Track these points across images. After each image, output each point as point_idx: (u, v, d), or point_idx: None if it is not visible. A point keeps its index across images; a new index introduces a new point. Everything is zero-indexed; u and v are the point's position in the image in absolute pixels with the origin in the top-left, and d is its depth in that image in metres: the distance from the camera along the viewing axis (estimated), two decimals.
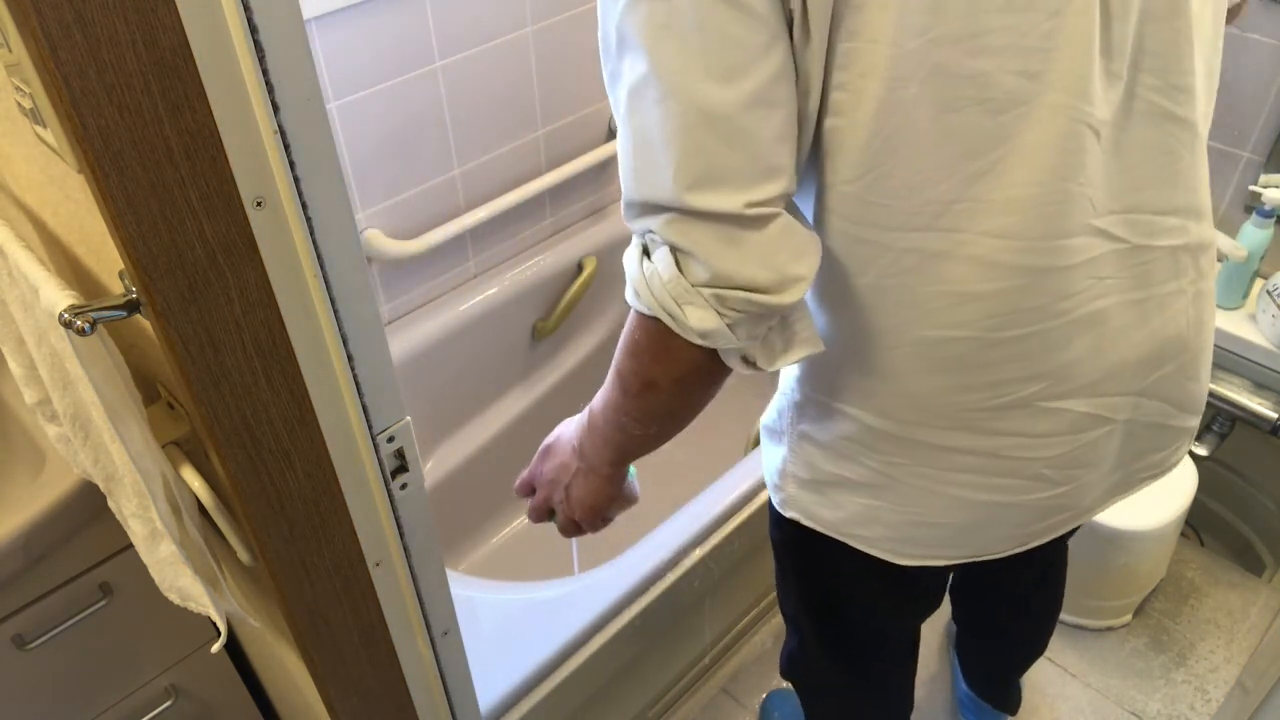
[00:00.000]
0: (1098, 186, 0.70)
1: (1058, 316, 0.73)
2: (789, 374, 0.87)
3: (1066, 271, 0.71)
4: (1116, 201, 0.72)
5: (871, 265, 0.71)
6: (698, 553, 1.32)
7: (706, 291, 0.64)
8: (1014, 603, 1.31)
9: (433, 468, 1.70)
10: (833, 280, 0.74)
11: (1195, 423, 0.92)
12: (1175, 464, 0.94)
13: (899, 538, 0.86)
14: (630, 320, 0.71)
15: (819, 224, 0.71)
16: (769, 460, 0.94)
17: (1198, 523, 1.93)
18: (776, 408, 0.91)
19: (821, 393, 0.82)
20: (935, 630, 1.69)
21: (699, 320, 0.65)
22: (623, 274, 0.70)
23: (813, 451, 0.86)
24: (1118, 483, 0.90)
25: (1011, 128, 0.65)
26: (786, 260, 0.65)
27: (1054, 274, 0.71)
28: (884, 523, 0.85)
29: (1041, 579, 1.27)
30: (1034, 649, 1.39)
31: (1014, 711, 1.55)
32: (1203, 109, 0.74)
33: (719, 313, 0.65)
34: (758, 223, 0.63)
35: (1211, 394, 1.60)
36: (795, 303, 0.67)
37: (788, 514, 0.92)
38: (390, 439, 0.72)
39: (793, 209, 0.68)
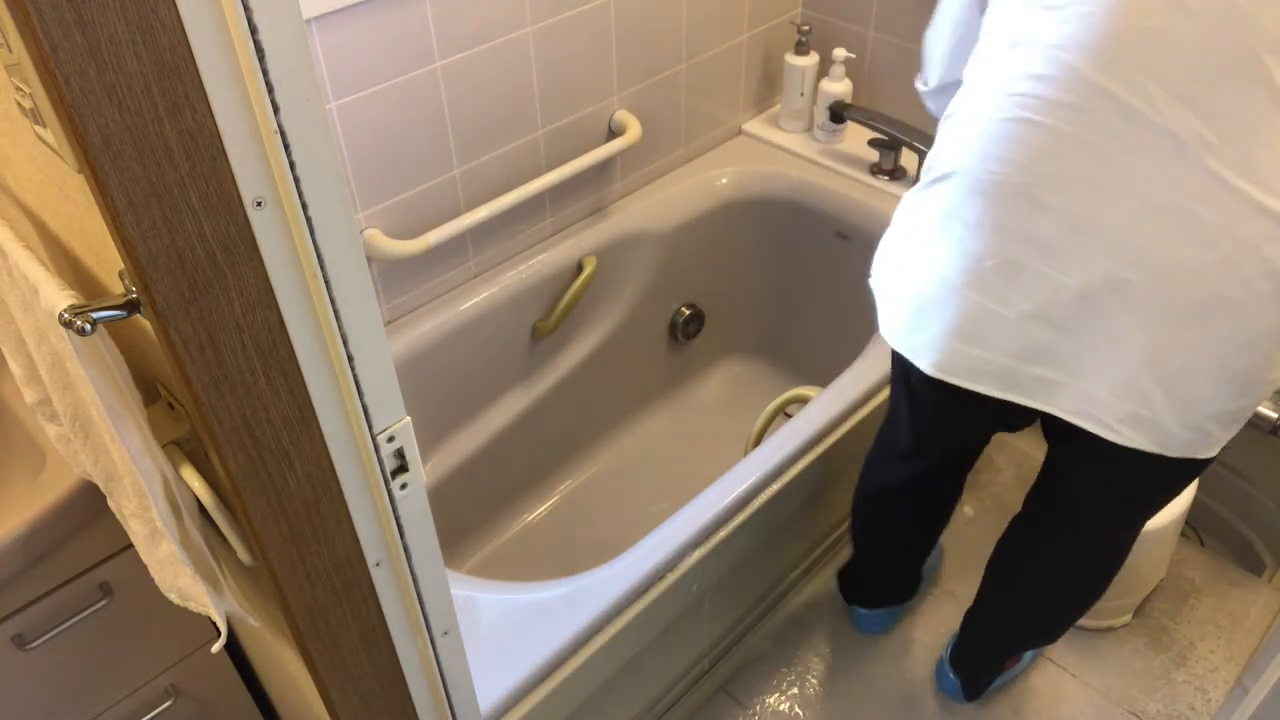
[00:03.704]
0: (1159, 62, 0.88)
1: (1059, 120, 0.92)
2: None
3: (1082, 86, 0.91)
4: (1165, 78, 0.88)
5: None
6: (698, 553, 1.32)
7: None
8: (1034, 576, 1.36)
9: (433, 468, 1.70)
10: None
11: (1175, 427, 0.99)
12: (1127, 443, 1.02)
13: (882, 301, 1.14)
14: None
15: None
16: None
17: (1198, 523, 1.93)
18: None
19: (936, 146, 1.08)
20: (938, 634, 1.69)
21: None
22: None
23: (899, 215, 1.14)
24: (1055, 385, 1.01)
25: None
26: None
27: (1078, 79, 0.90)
28: (883, 280, 1.15)
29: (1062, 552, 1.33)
30: (1027, 630, 1.47)
31: (970, 698, 1.59)
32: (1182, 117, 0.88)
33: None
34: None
35: None
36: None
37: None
38: (390, 439, 0.71)
39: None
